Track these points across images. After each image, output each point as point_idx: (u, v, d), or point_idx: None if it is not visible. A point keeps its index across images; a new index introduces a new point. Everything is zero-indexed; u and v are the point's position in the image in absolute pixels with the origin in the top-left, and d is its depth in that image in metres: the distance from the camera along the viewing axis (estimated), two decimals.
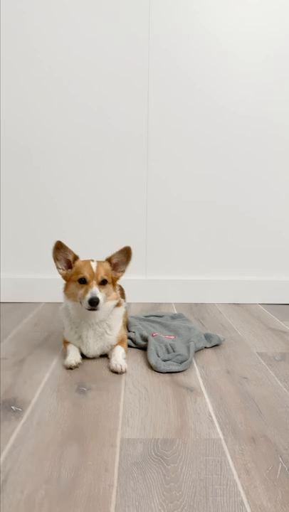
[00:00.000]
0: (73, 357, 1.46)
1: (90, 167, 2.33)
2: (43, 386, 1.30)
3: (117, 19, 2.21)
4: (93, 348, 1.50)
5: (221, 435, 1.05)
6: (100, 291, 1.41)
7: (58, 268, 1.51)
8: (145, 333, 1.70)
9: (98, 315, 1.47)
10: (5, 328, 1.90)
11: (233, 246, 2.43)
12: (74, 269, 1.48)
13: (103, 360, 1.52)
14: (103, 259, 1.54)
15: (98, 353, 1.52)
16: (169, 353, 1.54)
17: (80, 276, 1.43)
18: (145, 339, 1.66)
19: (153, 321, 1.94)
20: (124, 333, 1.63)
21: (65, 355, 1.52)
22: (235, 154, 2.35)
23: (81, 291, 1.42)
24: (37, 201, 2.35)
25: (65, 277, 1.51)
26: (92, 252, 2.41)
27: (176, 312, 2.13)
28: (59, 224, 2.36)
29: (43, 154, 2.31)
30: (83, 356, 1.52)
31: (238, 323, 2.04)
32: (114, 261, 1.53)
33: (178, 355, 1.50)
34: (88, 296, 1.38)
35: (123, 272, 1.56)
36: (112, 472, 0.89)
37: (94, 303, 1.36)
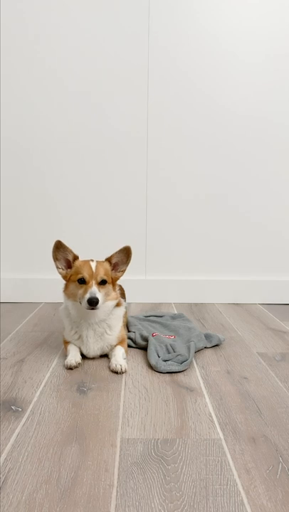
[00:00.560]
0: (73, 357, 1.46)
1: (90, 167, 2.33)
2: (43, 386, 1.30)
3: (116, 19, 2.21)
4: (93, 348, 1.50)
5: (221, 435, 1.04)
6: (99, 291, 1.41)
7: (57, 268, 1.51)
8: (145, 333, 1.70)
9: (98, 315, 1.47)
10: (5, 328, 1.90)
11: (233, 246, 2.43)
12: (73, 269, 1.48)
13: (103, 360, 1.52)
14: (103, 259, 1.54)
15: (98, 353, 1.52)
16: (169, 353, 1.54)
17: (80, 276, 1.43)
18: (145, 339, 1.66)
19: (153, 321, 1.94)
20: (125, 333, 1.63)
21: (65, 355, 1.51)
22: (235, 154, 2.35)
23: (80, 291, 1.42)
24: (37, 201, 2.35)
25: (64, 277, 1.51)
26: (92, 251, 2.41)
27: (176, 312, 2.13)
28: (59, 224, 2.36)
29: (43, 154, 2.31)
30: (83, 356, 1.52)
31: (238, 323, 2.04)
32: (114, 261, 1.53)
33: (178, 355, 1.49)
34: (87, 296, 1.37)
35: (123, 271, 1.55)
36: (112, 472, 0.89)
37: (93, 303, 1.36)
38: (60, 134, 2.30)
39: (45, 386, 1.30)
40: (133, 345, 1.68)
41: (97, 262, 1.48)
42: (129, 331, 1.78)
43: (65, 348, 1.53)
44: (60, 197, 2.35)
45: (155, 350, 1.54)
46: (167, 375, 1.41)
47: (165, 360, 1.47)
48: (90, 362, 1.51)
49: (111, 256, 1.53)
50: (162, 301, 2.43)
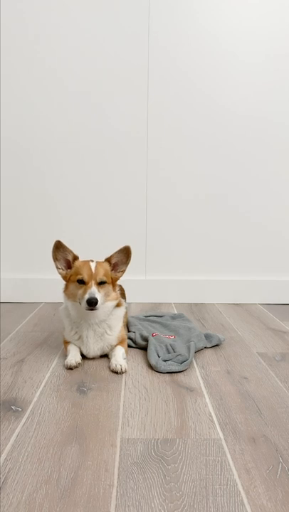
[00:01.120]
0: (73, 357, 1.46)
1: (90, 167, 2.33)
2: (43, 386, 1.30)
3: (117, 19, 2.21)
4: (93, 349, 1.50)
5: (221, 435, 1.04)
6: (98, 291, 1.40)
7: (57, 268, 1.51)
8: (145, 333, 1.70)
9: (98, 315, 1.46)
10: (5, 328, 1.90)
11: (233, 246, 2.42)
12: (73, 269, 1.47)
13: (103, 360, 1.52)
14: (103, 259, 1.54)
15: (98, 353, 1.52)
16: (169, 353, 1.54)
17: (79, 276, 1.43)
18: (145, 339, 1.66)
19: (153, 321, 1.94)
20: (125, 333, 1.63)
21: (65, 355, 1.51)
22: (235, 154, 2.35)
23: (80, 292, 1.42)
24: (37, 201, 2.35)
25: (64, 277, 1.51)
26: (92, 251, 2.41)
27: (176, 312, 2.13)
28: (59, 224, 2.36)
29: (43, 154, 2.32)
30: (83, 356, 1.52)
31: (238, 323, 2.04)
32: (113, 261, 1.53)
33: (178, 355, 1.49)
34: (86, 296, 1.37)
35: (123, 271, 1.55)
36: (112, 472, 0.89)
37: (92, 303, 1.36)
38: (60, 134, 2.30)
39: (45, 386, 1.30)
40: (133, 345, 1.68)
41: (96, 262, 1.48)
42: (129, 331, 1.78)
43: (65, 348, 1.53)
44: (60, 197, 2.35)
45: (155, 350, 1.54)
46: (167, 375, 1.41)
47: (165, 360, 1.47)
48: (90, 362, 1.51)
49: (110, 256, 1.52)
50: (162, 301, 2.43)
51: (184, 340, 1.67)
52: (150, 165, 2.34)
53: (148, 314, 2.06)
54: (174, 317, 2.03)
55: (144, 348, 1.63)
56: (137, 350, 1.66)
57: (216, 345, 1.70)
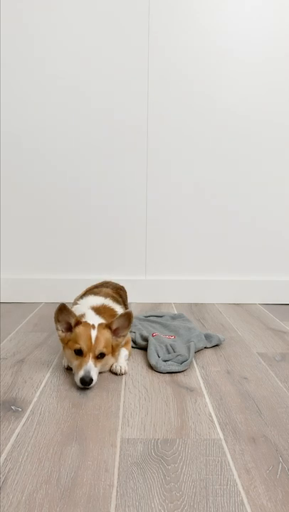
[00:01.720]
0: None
1: (89, 167, 2.33)
2: (43, 386, 1.30)
3: (117, 19, 2.21)
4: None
5: (221, 435, 1.04)
6: (95, 365, 1.31)
7: (57, 329, 1.42)
8: (145, 333, 1.70)
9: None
10: (5, 328, 1.90)
11: (233, 246, 2.43)
12: (73, 334, 1.36)
13: None
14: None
15: None
16: (169, 353, 1.54)
17: (77, 346, 1.32)
18: (145, 339, 1.66)
19: (153, 321, 1.94)
20: (129, 336, 1.60)
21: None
22: (235, 155, 2.35)
23: (76, 363, 1.32)
24: (37, 201, 2.35)
25: (62, 340, 1.41)
26: (92, 251, 2.41)
27: (176, 312, 2.13)
28: (59, 224, 2.36)
29: (43, 154, 2.32)
30: None
31: (238, 323, 2.04)
32: (114, 326, 1.42)
33: (178, 355, 1.49)
34: (81, 373, 1.27)
35: (124, 336, 1.44)
36: (112, 472, 0.89)
37: (86, 383, 1.26)
38: (59, 134, 2.30)
39: (45, 386, 1.30)
40: (133, 345, 1.68)
41: (98, 329, 1.36)
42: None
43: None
44: (60, 197, 2.35)
45: (155, 350, 1.54)
46: (167, 375, 1.41)
47: (165, 361, 1.47)
48: None
49: (112, 322, 1.41)
50: (162, 301, 2.43)
51: (184, 341, 1.67)
52: (150, 165, 2.34)
53: (148, 314, 2.06)
54: (174, 317, 2.03)
55: (144, 348, 1.63)
56: (137, 350, 1.66)
57: (216, 346, 1.70)
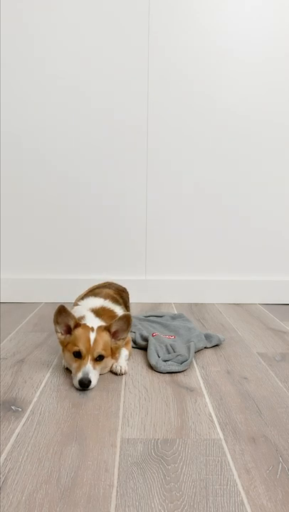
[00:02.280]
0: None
1: (89, 166, 2.33)
2: (43, 386, 1.30)
3: (117, 19, 2.21)
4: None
5: (221, 435, 1.04)
6: (94, 367, 1.30)
7: (56, 332, 1.42)
8: (145, 333, 1.70)
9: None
10: (5, 328, 1.90)
11: (233, 246, 2.42)
12: (72, 337, 1.36)
13: None
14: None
15: None
16: (169, 353, 1.54)
17: (76, 348, 1.32)
18: (145, 339, 1.66)
19: (153, 321, 1.94)
20: (129, 336, 1.60)
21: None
22: (235, 155, 2.35)
23: (74, 366, 1.32)
24: (37, 201, 2.35)
25: (62, 342, 1.41)
26: (92, 251, 2.41)
27: (176, 312, 2.13)
28: (59, 224, 2.36)
29: (43, 154, 2.31)
30: None
31: (238, 323, 2.04)
32: (113, 329, 1.41)
33: (178, 355, 1.49)
34: (79, 375, 1.27)
35: (123, 339, 1.44)
36: (112, 472, 0.89)
37: (84, 384, 1.26)
38: (59, 134, 2.30)
39: (45, 386, 1.30)
40: (133, 345, 1.68)
41: (97, 332, 1.36)
42: None
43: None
44: (60, 197, 2.35)
45: (155, 350, 1.54)
46: (167, 375, 1.41)
47: (165, 361, 1.47)
48: None
49: (110, 324, 1.41)
50: (162, 301, 2.43)
51: (184, 341, 1.67)
52: (150, 165, 2.34)
53: (148, 314, 2.06)
54: (174, 317, 2.03)
55: (144, 348, 1.63)
56: (137, 350, 1.66)
57: (216, 345, 1.70)
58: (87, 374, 1.27)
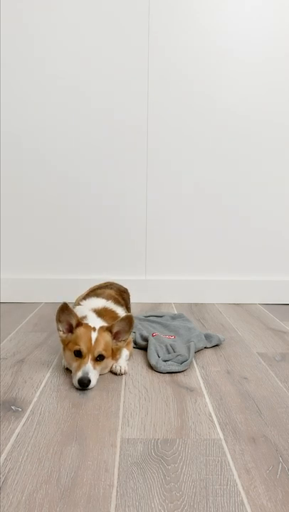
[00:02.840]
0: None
1: (89, 166, 2.33)
2: (43, 386, 1.30)
3: (117, 19, 2.21)
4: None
5: (221, 435, 1.04)
6: (94, 367, 1.30)
7: (58, 330, 1.41)
8: (145, 333, 1.70)
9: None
10: (5, 328, 1.90)
11: (233, 246, 2.42)
12: (73, 335, 1.36)
13: None
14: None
15: None
16: (169, 353, 1.54)
17: (76, 347, 1.32)
18: (145, 339, 1.66)
19: (153, 321, 1.94)
20: (131, 337, 1.59)
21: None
22: (235, 155, 2.35)
23: (75, 365, 1.32)
24: (37, 201, 2.35)
25: (63, 341, 1.41)
26: (92, 250, 2.41)
27: (176, 312, 2.13)
28: (59, 224, 2.36)
29: (43, 155, 2.31)
30: None
31: (238, 323, 2.04)
32: (115, 330, 1.41)
33: (178, 355, 1.49)
34: (79, 374, 1.27)
35: (125, 340, 1.43)
36: (112, 472, 0.89)
37: (84, 384, 1.26)
38: (59, 134, 2.30)
39: (45, 386, 1.30)
40: (133, 345, 1.68)
41: (98, 332, 1.36)
42: None
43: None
44: (60, 197, 2.35)
45: (155, 350, 1.54)
46: (167, 375, 1.41)
47: (165, 361, 1.47)
48: None
49: (112, 325, 1.41)
50: (162, 301, 2.43)
51: (184, 341, 1.67)
52: (150, 165, 2.34)
53: (148, 314, 2.06)
54: (174, 317, 2.03)
55: (144, 348, 1.63)
56: (137, 350, 1.66)
57: (216, 345, 1.70)
58: (87, 373, 1.27)
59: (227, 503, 0.81)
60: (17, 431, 1.05)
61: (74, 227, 2.37)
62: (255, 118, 2.32)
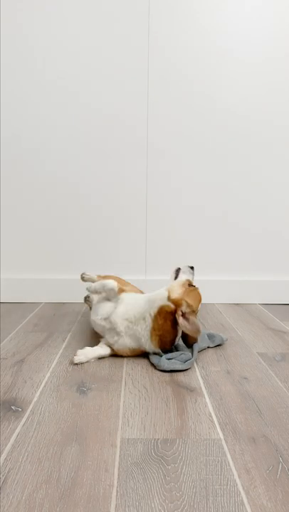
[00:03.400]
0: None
1: (89, 166, 2.34)
2: (43, 386, 1.30)
3: (116, 19, 2.21)
4: None
5: (221, 435, 1.04)
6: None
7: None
8: None
9: None
10: (5, 328, 1.90)
11: (233, 246, 2.42)
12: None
13: (103, 361, 1.52)
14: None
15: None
16: (172, 351, 1.55)
17: None
18: None
19: None
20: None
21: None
22: (235, 155, 2.35)
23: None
24: (37, 201, 2.35)
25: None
26: (92, 250, 2.41)
27: None
28: (59, 224, 2.36)
29: (43, 155, 2.32)
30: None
31: (238, 323, 2.04)
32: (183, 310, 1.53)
33: (182, 353, 1.50)
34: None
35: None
36: (112, 472, 0.89)
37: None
38: (59, 134, 2.30)
39: (45, 386, 1.30)
40: None
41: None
42: None
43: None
44: (60, 197, 2.35)
45: None
46: (167, 374, 1.41)
47: (168, 359, 1.47)
48: (90, 362, 1.51)
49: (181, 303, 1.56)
50: None
51: None
52: (150, 165, 2.34)
53: None
54: None
55: None
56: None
57: (218, 345, 1.70)
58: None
59: (227, 503, 0.81)
60: (17, 431, 1.05)
61: (74, 227, 2.37)
62: (255, 118, 2.32)
